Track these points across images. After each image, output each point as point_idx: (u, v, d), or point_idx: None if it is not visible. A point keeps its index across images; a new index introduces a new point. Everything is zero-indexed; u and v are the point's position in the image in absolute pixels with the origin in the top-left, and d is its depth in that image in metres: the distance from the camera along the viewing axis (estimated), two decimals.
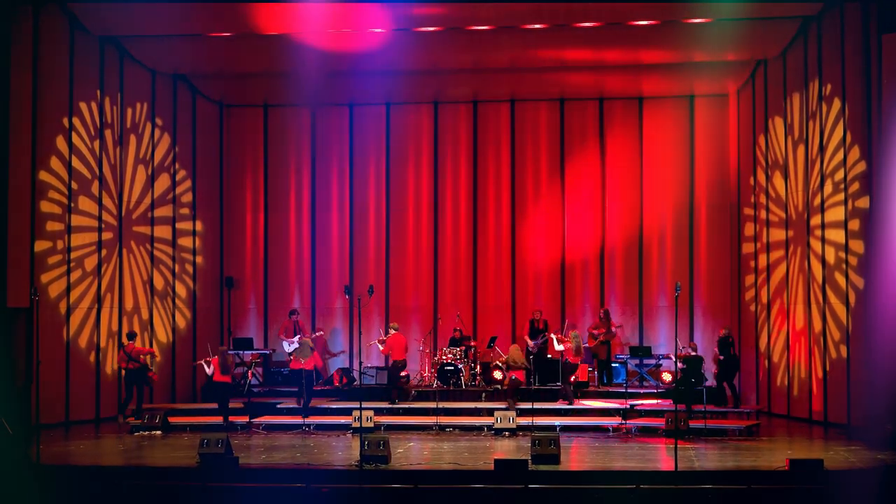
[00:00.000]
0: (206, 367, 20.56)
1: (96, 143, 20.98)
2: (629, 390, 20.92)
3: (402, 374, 21.27)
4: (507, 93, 24.19)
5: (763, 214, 21.85)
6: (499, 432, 18.46)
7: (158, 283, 22.54)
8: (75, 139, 20.43)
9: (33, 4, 19.33)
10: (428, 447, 17.26)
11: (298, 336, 22.46)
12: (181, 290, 23.22)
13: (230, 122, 24.87)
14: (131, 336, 20.63)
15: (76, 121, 20.47)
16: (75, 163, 20.42)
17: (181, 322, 23.18)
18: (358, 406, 18.11)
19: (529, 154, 24.44)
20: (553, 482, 13.98)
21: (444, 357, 22.04)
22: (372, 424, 18.51)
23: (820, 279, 19.60)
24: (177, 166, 23.17)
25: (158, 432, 18.94)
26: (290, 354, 21.60)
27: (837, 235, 19.03)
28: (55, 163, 19.97)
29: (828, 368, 19.31)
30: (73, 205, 20.36)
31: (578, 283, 24.17)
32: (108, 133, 21.28)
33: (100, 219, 21.06)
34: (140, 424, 19.16)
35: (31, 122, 19.42)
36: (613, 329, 22.80)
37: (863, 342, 18.15)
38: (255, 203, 24.98)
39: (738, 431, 18.46)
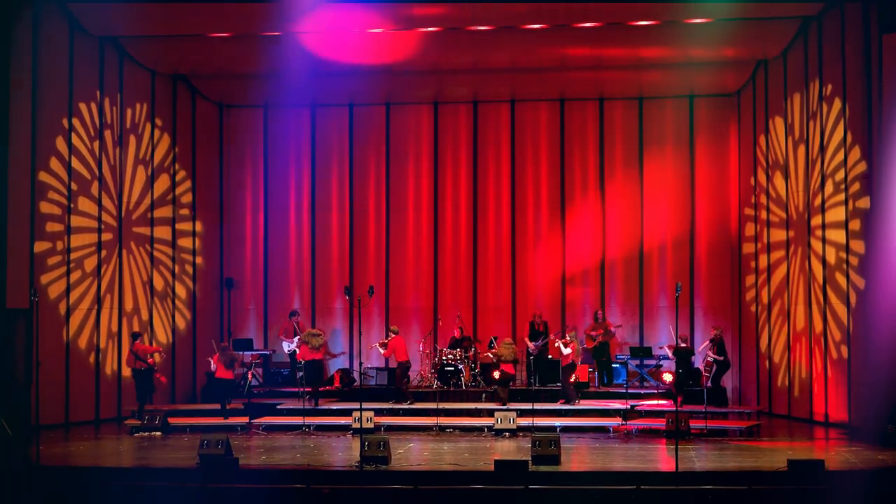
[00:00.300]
0: (210, 363, 20.60)
1: (96, 144, 20.97)
2: (630, 391, 20.90)
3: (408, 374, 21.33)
4: (507, 93, 24.17)
5: (763, 215, 21.84)
6: (499, 433, 18.44)
7: (158, 283, 22.53)
8: (75, 140, 20.42)
9: (33, 5, 19.32)
10: (428, 448, 17.23)
11: (298, 337, 22.46)
12: (181, 290, 23.20)
13: (230, 123, 24.86)
14: (136, 335, 20.65)
15: (76, 121, 20.46)
16: (75, 163, 20.41)
17: (181, 323, 23.16)
18: (358, 407, 18.10)
19: (529, 154, 24.42)
20: (553, 483, 13.96)
21: (444, 357, 22.04)
22: (372, 425, 18.48)
23: (820, 279, 19.58)
24: (176, 167, 23.16)
25: (158, 433, 18.91)
26: (298, 345, 21.48)
27: (838, 236, 19.01)
28: (55, 163, 19.96)
29: (828, 369, 19.29)
30: (72, 205, 20.35)
31: (578, 284, 24.14)
32: (107, 134, 21.27)
33: (99, 219, 21.04)
34: (140, 425, 19.14)
35: (30, 123, 19.40)
36: (612, 329, 22.77)
37: (863, 342, 18.13)
38: (255, 204, 24.95)
39: (739, 432, 18.44)
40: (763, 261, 21.89)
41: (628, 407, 19.71)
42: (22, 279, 19.01)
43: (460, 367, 21.87)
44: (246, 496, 13.91)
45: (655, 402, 20.75)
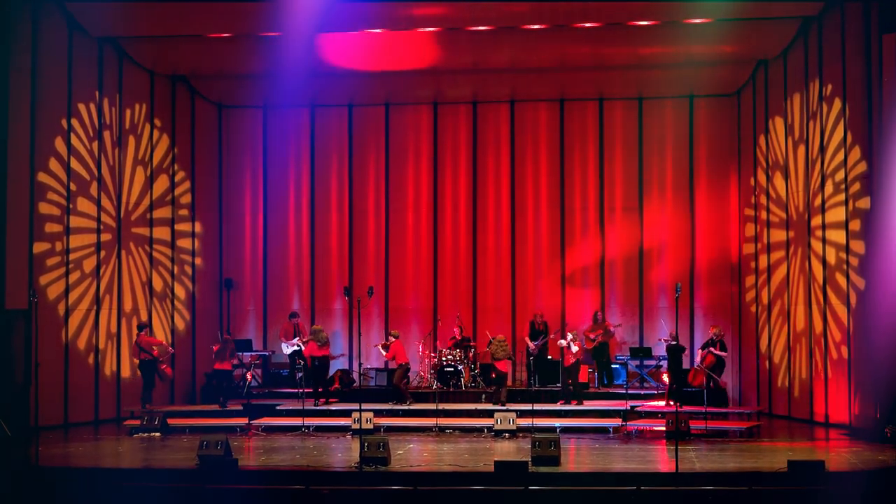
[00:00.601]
0: (212, 351, 20.85)
1: (95, 145, 20.94)
2: (630, 391, 20.88)
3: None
4: (507, 93, 24.15)
5: (763, 215, 21.82)
6: (499, 434, 18.41)
7: (157, 284, 22.50)
8: (74, 140, 20.39)
9: (32, 5, 19.30)
10: (428, 449, 17.21)
11: (298, 339, 22.44)
12: (180, 291, 23.18)
13: (229, 123, 24.84)
14: (142, 327, 20.66)
15: (75, 122, 20.43)
16: (74, 164, 20.38)
17: (180, 324, 23.13)
18: (357, 407, 18.08)
19: (529, 155, 24.40)
20: (553, 484, 13.94)
21: (444, 358, 22.01)
22: (371, 426, 18.46)
23: (821, 280, 19.56)
24: (175, 167, 23.14)
25: (158, 434, 18.89)
26: (305, 343, 21.45)
27: (838, 236, 18.99)
28: (54, 164, 19.93)
29: (829, 369, 19.27)
30: (71, 206, 20.32)
31: (578, 284, 24.12)
32: (106, 134, 21.24)
33: (98, 220, 21.02)
34: (139, 426, 19.12)
35: (29, 124, 19.37)
36: (611, 329, 22.74)
37: (863, 343, 18.11)
38: (255, 204, 24.94)
39: (739, 433, 18.41)
40: (763, 261, 21.87)
41: (628, 408, 19.69)
42: (21, 280, 18.97)
43: (460, 367, 21.84)
44: (245, 497, 13.88)
45: (655, 402, 20.73)
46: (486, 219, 24.50)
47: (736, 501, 13.40)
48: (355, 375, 22.68)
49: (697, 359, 20.88)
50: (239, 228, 24.90)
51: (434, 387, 21.75)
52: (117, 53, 21.43)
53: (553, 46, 21.44)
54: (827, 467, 14.13)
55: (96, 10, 20.00)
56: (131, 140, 21.93)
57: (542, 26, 20.51)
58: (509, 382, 21.87)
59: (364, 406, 18.39)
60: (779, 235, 21.27)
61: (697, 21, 19.90)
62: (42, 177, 19.70)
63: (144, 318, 21.93)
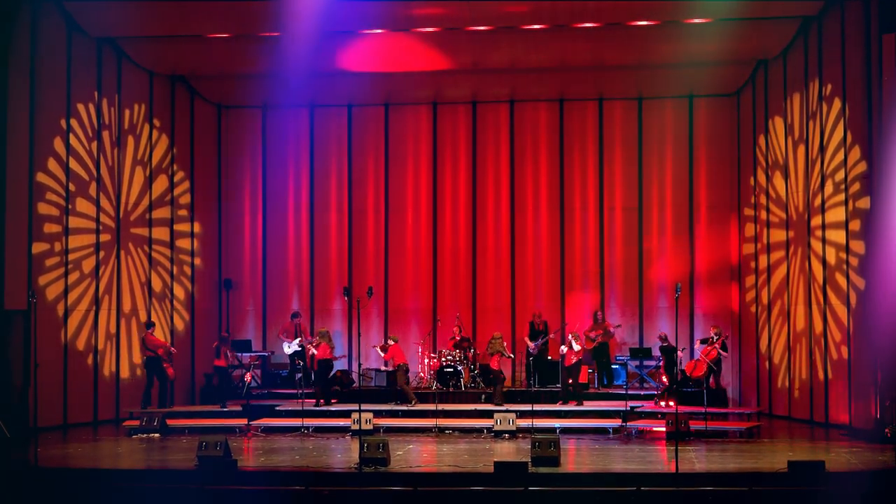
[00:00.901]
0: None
1: (94, 145, 20.92)
2: (629, 392, 20.86)
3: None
4: (507, 93, 24.14)
5: (763, 215, 21.81)
6: (498, 434, 18.40)
7: (157, 285, 22.48)
8: (73, 141, 20.36)
9: (31, 5, 19.27)
10: (427, 449, 17.20)
11: (299, 339, 22.42)
12: (179, 292, 23.16)
13: (228, 124, 24.82)
14: (149, 325, 20.61)
15: (74, 122, 20.40)
16: (73, 164, 20.36)
17: (179, 324, 23.11)
18: (357, 408, 18.06)
19: (529, 155, 24.38)
20: (553, 484, 13.92)
21: (443, 359, 21.99)
22: (371, 426, 18.44)
23: (820, 280, 19.54)
24: (175, 168, 23.12)
25: (157, 435, 18.87)
26: (317, 345, 21.39)
27: (838, 236, 18.97)
28: (53, 164, 19.91)
29: (829, 369, 19.25)
30: (70, 206, 20.30)
31: (578, 284, 24.11)
32: (105, 134, 21.22)
33: (97, 220, 20.99)
34: (138, 427, 19.09)
35: (28, 124, 19.35)
36: (611, 329, 22.73)
37: (864, 343, 18.09)
38: (254, 205, 24.92)
39: (739, 433, 18.40)
40: (763, 261, 21.85)
41: (628, 408, 19.67)
42: (20, 280, 18.95)
43: (459, 368, 21.82)
44: (245, 498, 13.87)
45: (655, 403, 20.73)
46: (485, 219, 24.48)
47: (736, 502, 13.39)
48: (354, 376, 22.65)
49: (698, 353, 20.87)
50: (238, 228, 24.87)
51: (434, 387, 21.74)
52: (116, 53, 21.41)
53: (553, 46, 21.42)
54: (827, 468, 14.10)
55: (95, 10, 19.99)
56: (130, 140, 21.91)
57: (542, 26, 20.50)
58: (508, 383, 21.86)
59: (364, 407, 18.39)
60: (779, 235, 21.26)
61: (697, 21, 19.91)
62: (41, 177, 19.67)
63: (144, 318, 21.91)
